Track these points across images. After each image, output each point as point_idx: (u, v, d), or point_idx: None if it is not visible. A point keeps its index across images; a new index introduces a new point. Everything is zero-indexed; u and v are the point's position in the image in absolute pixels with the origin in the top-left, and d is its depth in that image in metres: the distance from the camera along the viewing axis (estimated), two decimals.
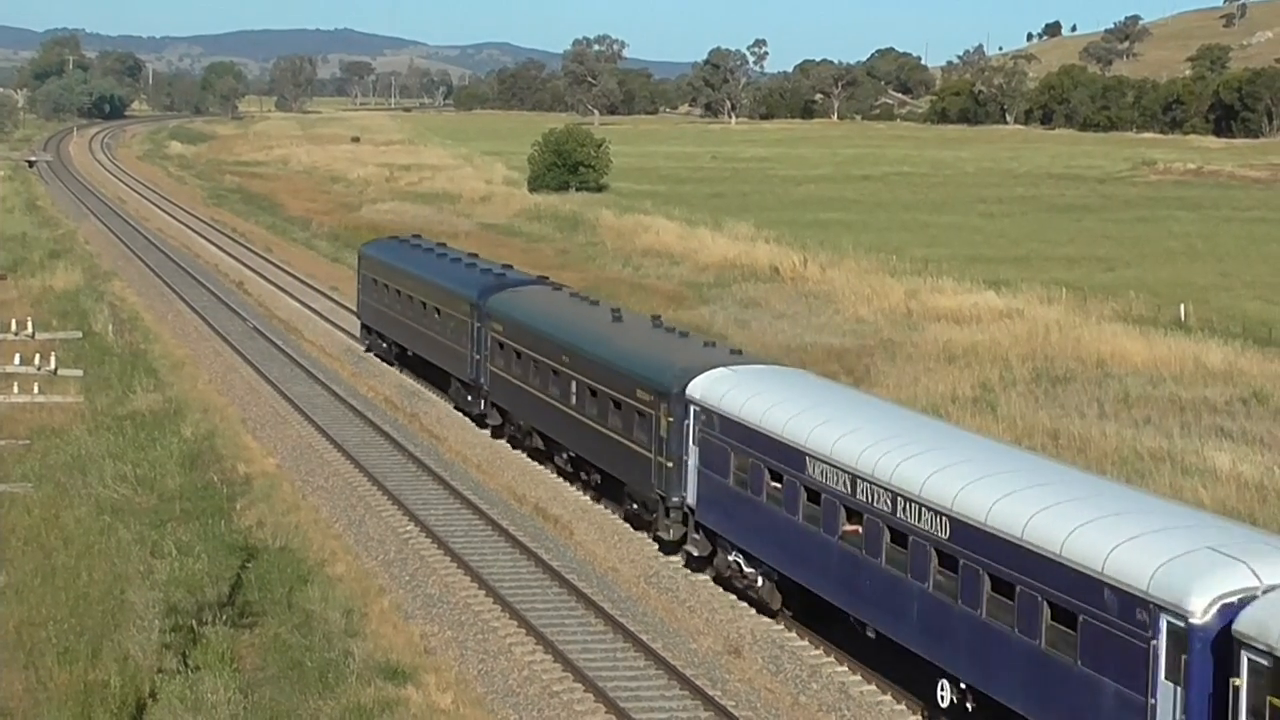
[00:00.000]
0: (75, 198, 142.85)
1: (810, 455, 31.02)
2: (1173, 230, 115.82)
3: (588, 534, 40.26)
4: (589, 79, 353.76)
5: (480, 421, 50.93)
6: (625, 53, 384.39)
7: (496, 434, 49.91)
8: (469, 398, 51.60)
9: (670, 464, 36.52)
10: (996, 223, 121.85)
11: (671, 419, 36.37)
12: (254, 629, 32.42)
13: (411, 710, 28.38)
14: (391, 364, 61.58)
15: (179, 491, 43.18)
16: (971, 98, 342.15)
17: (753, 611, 34.33)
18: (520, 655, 31.65)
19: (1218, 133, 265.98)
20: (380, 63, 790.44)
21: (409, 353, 58.95)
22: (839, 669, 31.23)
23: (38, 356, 23.41)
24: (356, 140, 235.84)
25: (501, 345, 48.36)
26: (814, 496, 31.01)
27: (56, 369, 23.16)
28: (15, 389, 23.73)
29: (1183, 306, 70.58)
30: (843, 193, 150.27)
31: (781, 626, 33.39)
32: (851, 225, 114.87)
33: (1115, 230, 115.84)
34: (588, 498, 43.42)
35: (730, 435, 34.26)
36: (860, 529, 29.34)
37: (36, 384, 23.49)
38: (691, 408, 35.94)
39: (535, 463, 46.96)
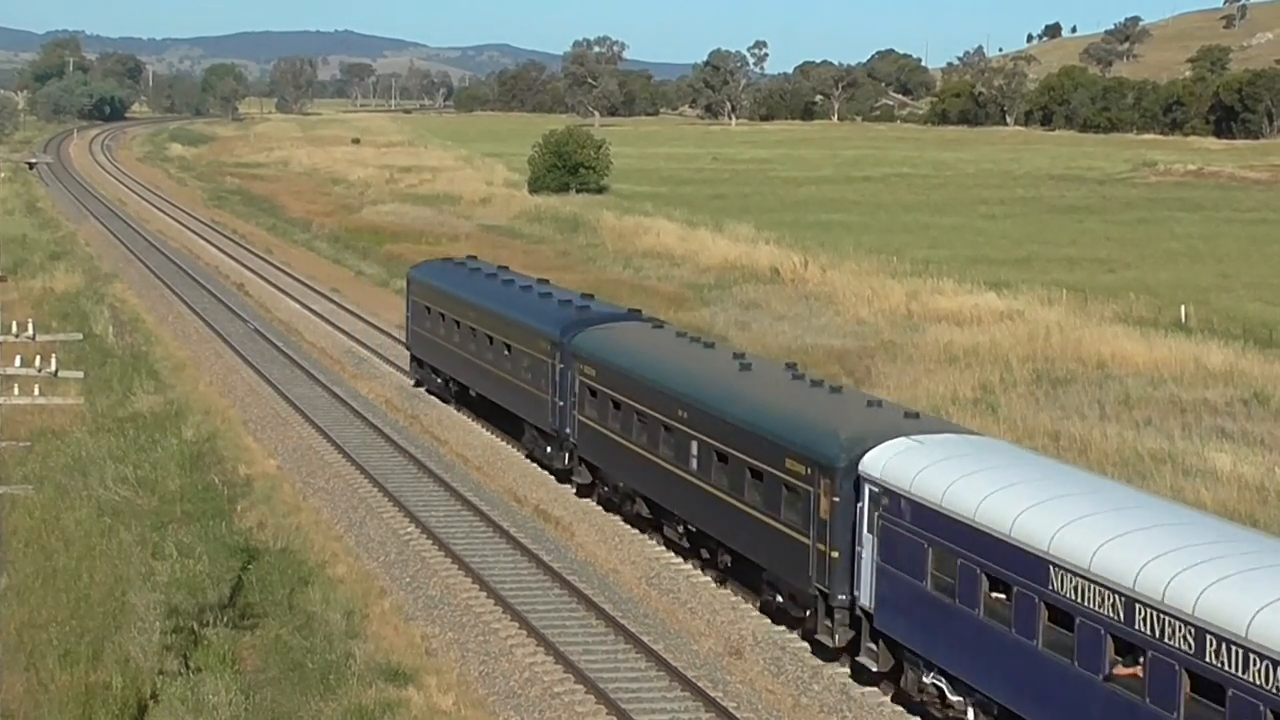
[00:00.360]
0: (76, 199, 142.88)
1: (1056, 564, 23.88)
2: (1173, 231, 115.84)
3: (588, 535, 40.24)
4: (589, 80, 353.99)
5: (563, 477, 44.33)
6: (625, 54, 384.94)
7: (584, 493, 43.36)
8: (549, 449, 44.69)
9: (835, 554, 29.87)
10: (997, 224, 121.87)
11: (837, 499, 29.58)
12: (255, 630, 32.44)
13: (413, 712, 28.38)
14: (448, 402, 54.99)
15: (180, 493, 43.17)
16: (972, 99, 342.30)
17: (754, 612, 34.32)
18: (521, 657, 31.65)
19: (1218, 134, 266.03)
20: (381, 64, 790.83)
21: (471, 392, 51.90)
22: (840, 670, 31.18)
23: (38, 358, 23.43)
24: (357, 142, 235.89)
25: (593, 392, 41.37)
26: (1062, 618, 23.89)
27: (57, 371, 23.17)
28: (16, 391, 23.74)
29: (1183, 308, 70.57)
30: (843, 194, 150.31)
31: (783, 628, 33.36)
32: (852, 226, 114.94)
33: (1116, 232, 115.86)
34: (588, 499, 43.39)
35: (927, 526, 27.14)
36: (1142, 671, 22.31)
37: (37, 386, 23.50)
38: (867, 487, 28.86)
39: (536, 466, 46.94)
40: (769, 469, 32.10)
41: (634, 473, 39.24)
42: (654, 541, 39.35)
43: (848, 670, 30.96)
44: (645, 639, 32.29)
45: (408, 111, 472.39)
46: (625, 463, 39.67)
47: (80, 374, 24.89)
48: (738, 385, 35.31)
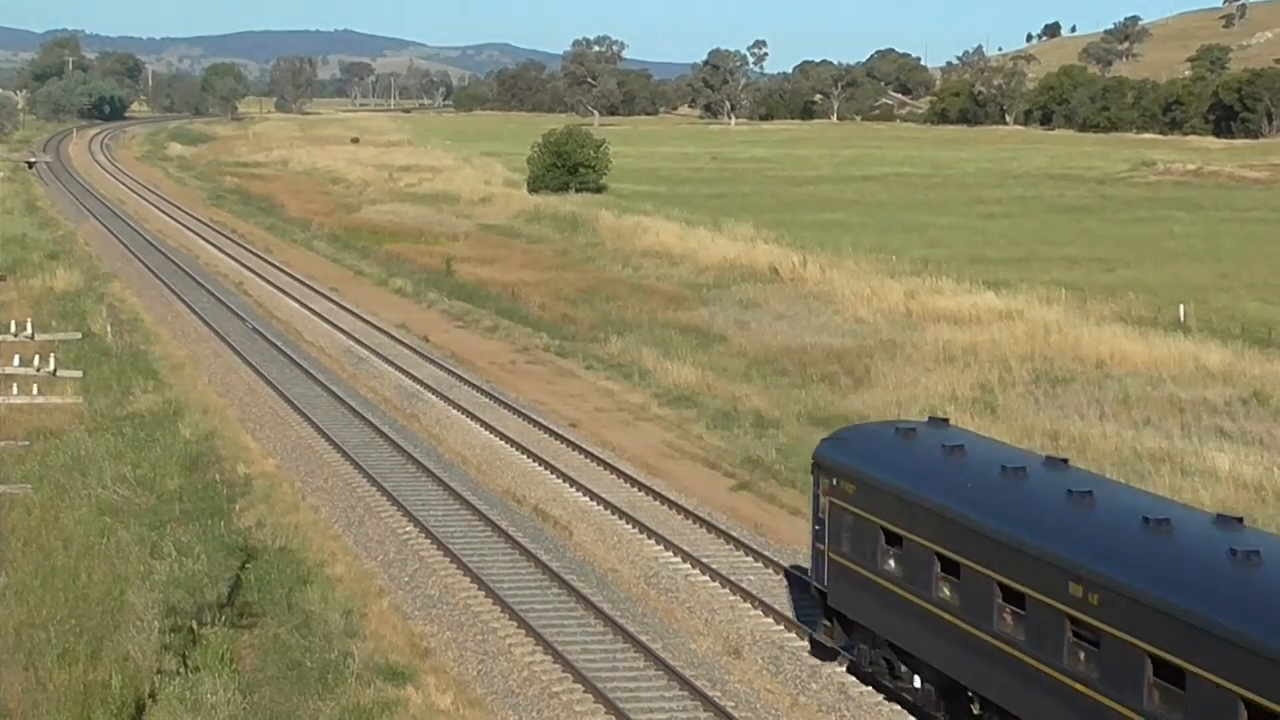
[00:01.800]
0: (75, 199, 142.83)
1: None
2: (1172, 231, 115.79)
3: (587, 534, 40.24)
4: (589, 80, 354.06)
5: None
6: (625, 53, 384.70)
7: None
8: None
9: None
10: (996, 223, 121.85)
11: None
12: (253, 630, 32.46)
13: (411, 711, 28.41)
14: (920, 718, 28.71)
15: (178, 492, 43.21)
16: (971, 98, 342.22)
17: (752, 612, 34.33)
18: (520, 656, 31.65)
19: (1217, 133, 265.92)
20: (380, 64, 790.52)
21: None
22: (838, 669, 31.18)
23: (37, 358, 23.44)
24: (356, 141, 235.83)
25: None
26: None
27: (56, 370, 23.18)
28: (15, 390, 23.74)
29: (1182, 307, 70.56)
30: (842, 193, 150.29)
31: (781, 627, 33.38)
32: (851, 226, 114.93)
33: (1115, 231, 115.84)
34: (587, 498, 43.36)
35: None
36: None
37: (36, 385, 23.51)
38: None
39: (535, 464, 46.90)
40: None
41: None
42: (652, 540, 39.36)
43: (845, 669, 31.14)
44: (643, 638, 32.30)
45: (407, 111, 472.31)
46: None
47: (79, 373, 24.91)
48: None
